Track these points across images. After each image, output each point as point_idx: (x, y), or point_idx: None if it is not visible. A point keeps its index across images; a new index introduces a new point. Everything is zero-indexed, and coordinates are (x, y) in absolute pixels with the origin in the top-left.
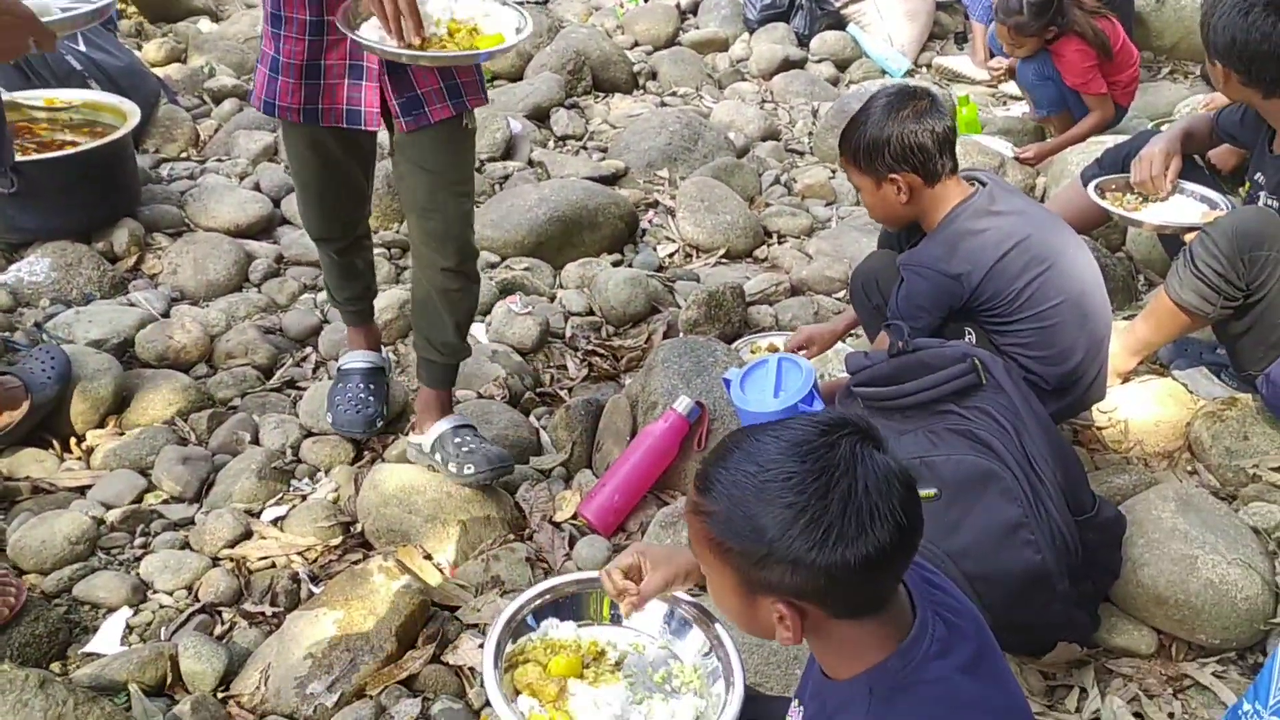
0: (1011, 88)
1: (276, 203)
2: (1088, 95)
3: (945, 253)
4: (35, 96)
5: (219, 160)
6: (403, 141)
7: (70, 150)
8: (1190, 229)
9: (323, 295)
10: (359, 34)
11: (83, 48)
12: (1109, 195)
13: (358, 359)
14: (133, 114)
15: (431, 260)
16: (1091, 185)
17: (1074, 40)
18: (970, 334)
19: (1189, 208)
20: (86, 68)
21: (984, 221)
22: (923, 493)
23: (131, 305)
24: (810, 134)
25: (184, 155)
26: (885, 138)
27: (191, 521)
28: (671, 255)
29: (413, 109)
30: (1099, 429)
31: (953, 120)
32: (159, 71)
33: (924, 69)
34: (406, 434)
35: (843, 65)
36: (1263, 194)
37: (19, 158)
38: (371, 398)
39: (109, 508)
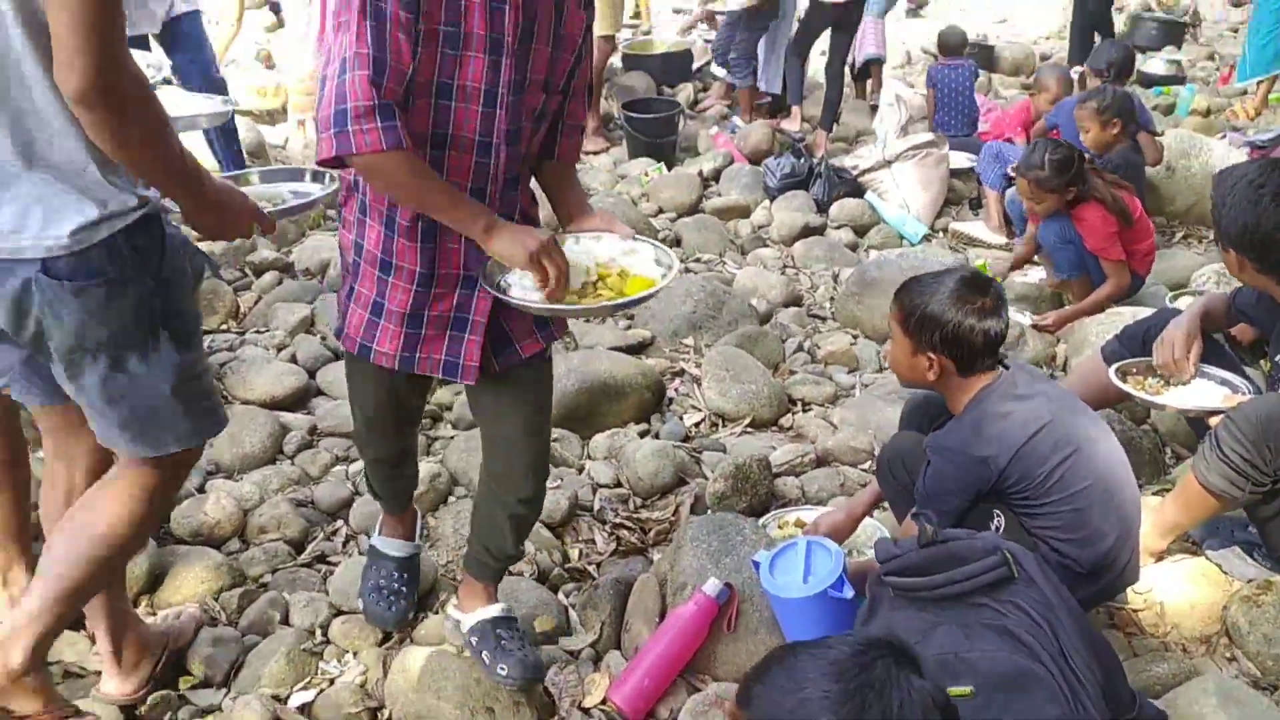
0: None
1: (312, 374)
2: (1106, 262)
3: (972, 436)
4: None
5: (258, 332)
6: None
7: None
8: (1214, 413)
9: (355, 466)
10: (511, 296)
11: None
12: (1131, 379)
13: (394, 547)
14: None
15: (506, 491)
16: (1114, 369)
17: (1096, 206)
18: (999, 516)
19: (1211, 391)
20: None
21: (1009, 405)
22: (959, 690)
23: None
24: (831, 299)
25: (224, 327)
26: (942, 320)
27: (219, 708)
28: (698, 424)
29: (504, 349)
30: (1134, 611)
31: (1006, 324)
32: (204, 246)
33: (940, 233)
34: (440, 609)
35: (861, 231)
36: None
37: None
38: (404, 588)
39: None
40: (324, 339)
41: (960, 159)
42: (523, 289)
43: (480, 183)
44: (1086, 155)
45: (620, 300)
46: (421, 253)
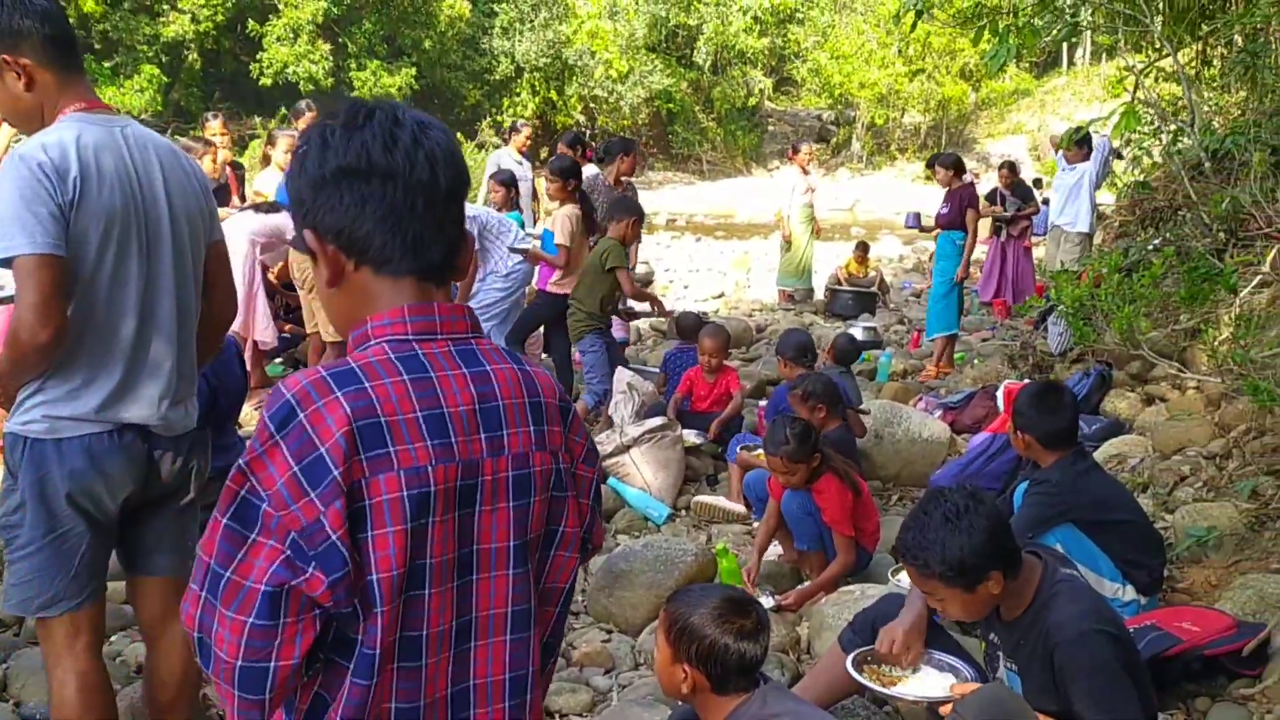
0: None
1: None
2: (838, 537)
3: None
4: None
5: None
6: None
7: None
8: (942, 702)
9: None
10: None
11: None
12: (867, 668)
13: None
14: None
15: None
16: (850, 658)
17: (832, 477)
18: None
19: (935, 681)
20: None
21: None
22: None
23: None
24: (583, 592)
25: None
26: (700, 635)
27: None
28: None
29: None
30: None
31: (765, 649)
32: None
33: (684, 511)
34: None
35: (608, 515)
36: (1000, 655)
37: None
38: None
39: None
40: (17, 706)
41: (692, 436)
42: None
43: None
44: None
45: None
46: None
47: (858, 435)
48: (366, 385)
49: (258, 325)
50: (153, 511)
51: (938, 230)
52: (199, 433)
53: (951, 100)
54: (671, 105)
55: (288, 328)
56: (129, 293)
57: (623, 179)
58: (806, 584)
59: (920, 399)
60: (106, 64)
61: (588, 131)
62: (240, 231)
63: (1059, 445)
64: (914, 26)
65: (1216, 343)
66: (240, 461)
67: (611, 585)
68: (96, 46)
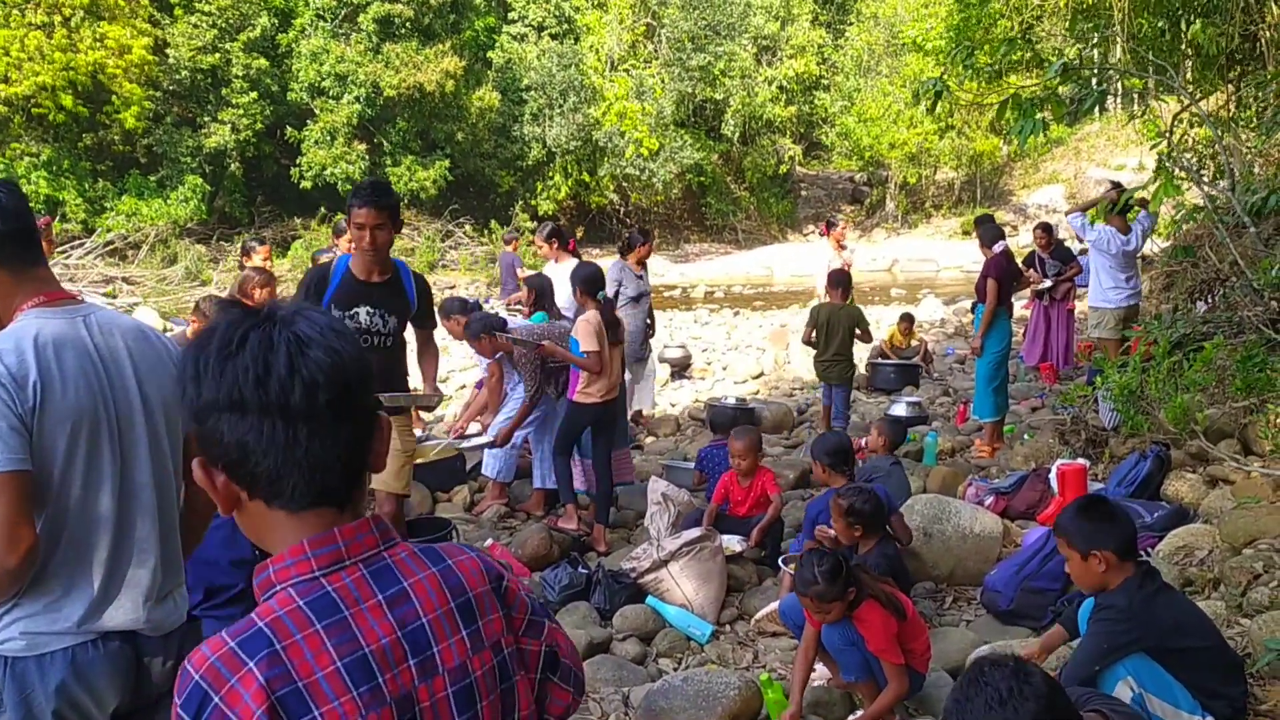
0: None
1: None
2: (887, 665)
3: None
4: None
5: None
6: None
7: None
8: None
9: None
10: None
11: None
12: None
13: None
14: None
15: None
16: None
17: (873, 605)
18: None
19: None
20: None
21: None
22: None
23: None
24: None
25: None
26: None
27: None
28: None
29: None
30: None
31: None
32: None
33: (728, 626)
34: None
35: (647, 638)
36: None
37: None
38: None
39: None
40: None
41: (733, 543)
42: None
43: None
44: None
45: None
46: None
47: (903, 543)
48: (278, 647)
49: None
50: (146, 716)
51: (976, 303)
52: (190, 625)
53: (984, 154)
54: (703, 178)
55: None
56: (103, 493)
57: (643, 262)
58: (860, 714)
59: (970, 483)
60: (152, 178)
61: (621, 209)
62: None
63: (1126, 555)
64: (934, 107)
65: (1277, 423)
66: None
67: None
68: (142, 160)
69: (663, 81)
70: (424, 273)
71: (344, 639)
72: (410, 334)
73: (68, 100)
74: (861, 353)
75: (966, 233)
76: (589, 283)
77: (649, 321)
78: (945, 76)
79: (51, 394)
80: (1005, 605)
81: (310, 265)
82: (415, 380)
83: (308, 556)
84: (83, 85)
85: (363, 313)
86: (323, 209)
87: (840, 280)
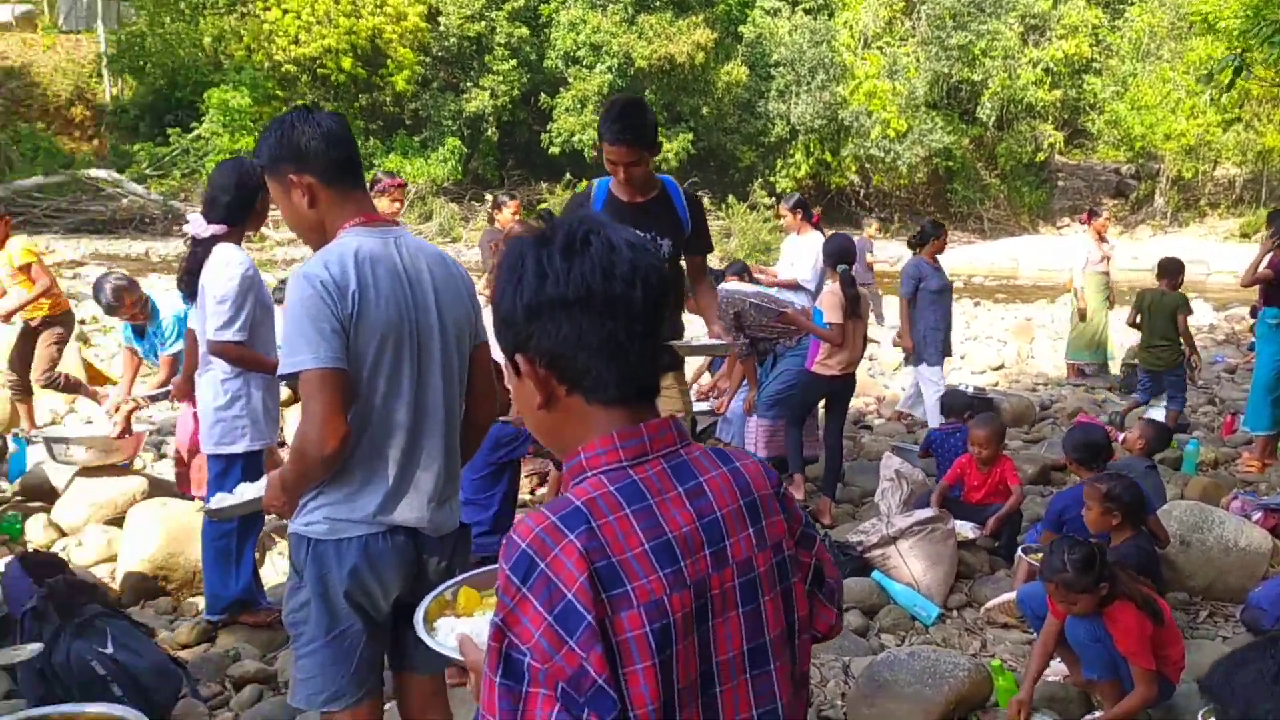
0: None
1: None
2: (1136, 669)
3: None
4: (57, 712)
5: None
6: None
7: None
8: None
9: None
10: None
11: (110, 650)
12: None
13: None
14: None
15: None
16: None
17: (1127, 604)
18: None
19: None
20: (110, 672)
21: None
22: None
23: None
24: (843, 696)
25: None
26: None
27: None
28: None
29: None
30: None
31: None
32: (186, 653)
33: (954, 611)
34: None
35: (870, 612)
36: None
37: None
38: None
39: None
40: None
41: (966, 529)
42: None
43: None
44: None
45: None
46: None
47: (1161, 544)
48: (594, 525)
49: None
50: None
51: (1258, 306)
52: (462, 532)
53: (1274, 151)
54: (951, 163)
55: None
56: (401, 401)
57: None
58: (1098, 714)
59: (1234, 497)
60: (416, 138)
61: (861, 190)
62: None
63: None
64: (1231, 84)
65: None
66: (495, 618)
67: (874, 694)
68: (408, 122)
69: (917, 60)
70: None
71: (650, 524)
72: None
73: (348, 63)
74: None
75: (1245, 235)
76: (838, 255)
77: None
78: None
79: (367, 305)
80: (1270, 624)
81: (483, 244)
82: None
83: (616, 447)
84: (362, 49)
85: None
86: (568, 174)
87: (1170, 268)
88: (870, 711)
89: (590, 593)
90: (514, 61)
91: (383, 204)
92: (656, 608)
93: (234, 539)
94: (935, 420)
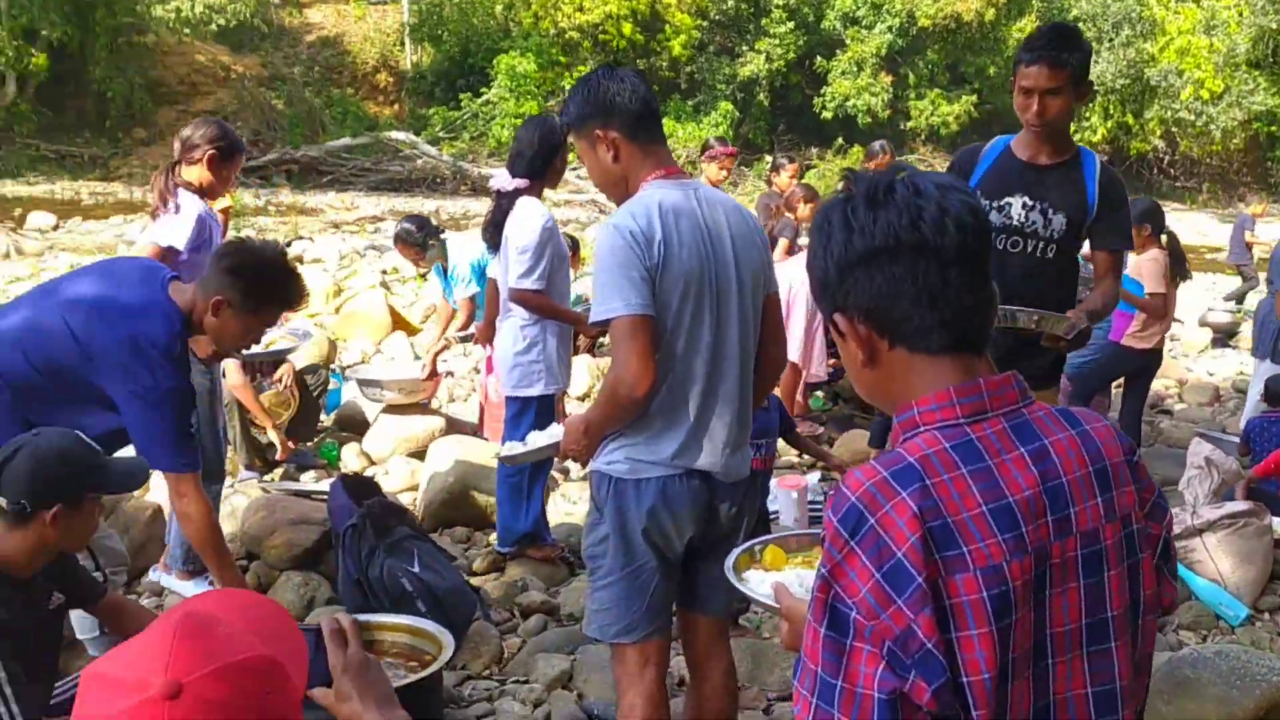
0: None
1: None
2: None
3: None
4: (373, 619)
5: (517, 681)
6: None
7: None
8: None
9: None
10: None
11: (417, 569)
12: None
13: None
14: (448, 646)
15: None
16: None
17: None
18: None
19: None
20: (416, 589)
21: None
22: None
23: None
24: None
25: (486, 672)
26: None
27: None
28: None
29: None
30: None
31: None
32: (479, 580)
33: (1266, 614)
34: None
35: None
36: None
37: None
38: None
39: None
40: (580, 698)
41: None
42: None
43: None
44: None
45: None
46: None
47: None
48: (928, 483)
49: (814, 359)
50: (706, 556)
51: None
52: (751, 480)
53: None
54: (1274, 128)
55: (831, 361)
56: (701, 347)
57: None
58: None
59: None
60: (689, 103)
61: (1166, 158)
62: (796, 270)
63: None
64: None
65: None
66: (821, 569)
67: (1173, 691)
68: (683, 86)
69: (1240, 14)
70: None
71: (989, 485)
72: None
73: (628, 28)
74: None
75: None
76: (1151, 216)
77: None
78: None
79: (671, 255)
80: None
81: (761, 206)
82: None
83: (953, 403)
84: (641, 15)
85: (1016, 204)
86: (840, 140)
87: None
88: (1167, 709)
89: (922, 553)
90: (791, 24)
91: (711, 170)
92: (995, 573)
93: (526, 478)
94: (1253, 410)
